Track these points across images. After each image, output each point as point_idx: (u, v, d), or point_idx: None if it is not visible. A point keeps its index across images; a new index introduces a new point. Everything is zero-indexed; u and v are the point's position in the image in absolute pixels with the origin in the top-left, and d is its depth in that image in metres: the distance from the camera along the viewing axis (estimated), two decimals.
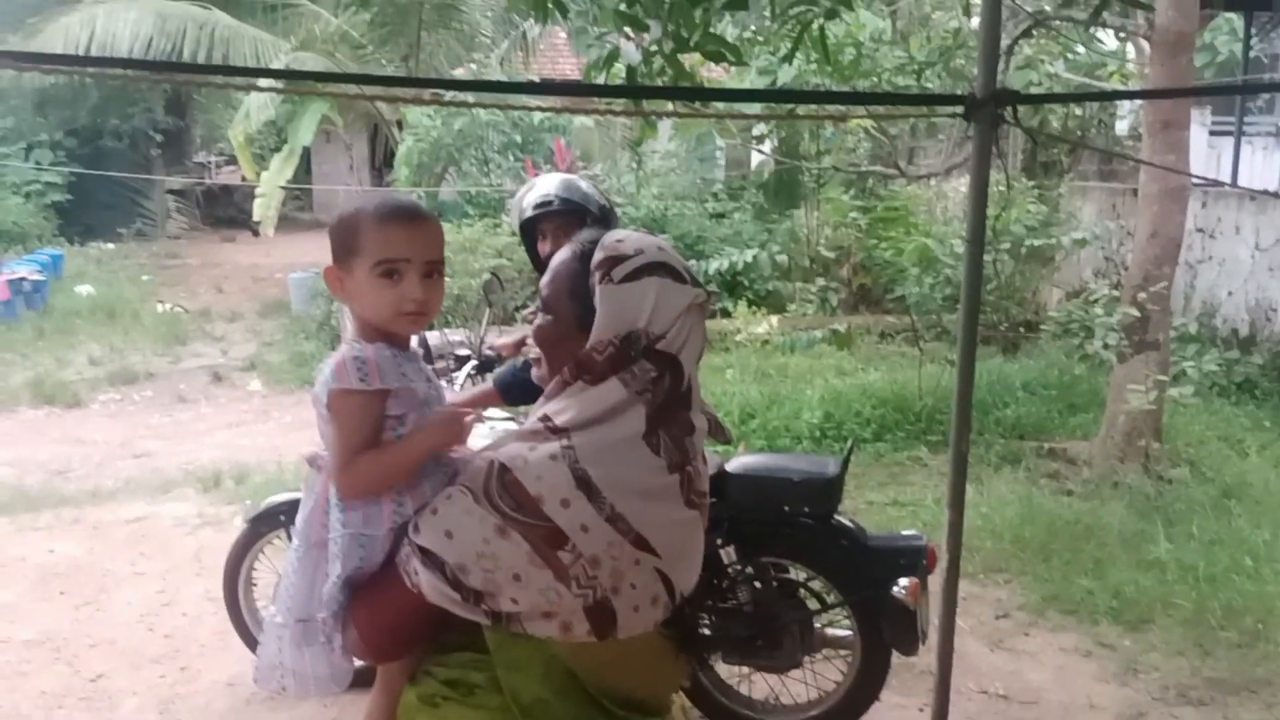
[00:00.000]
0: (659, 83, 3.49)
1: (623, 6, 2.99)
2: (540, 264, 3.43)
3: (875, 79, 7.28)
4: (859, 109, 7.31)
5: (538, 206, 3.32)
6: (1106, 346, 6.39)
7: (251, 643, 3.74)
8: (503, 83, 11.04)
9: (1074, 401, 7.28)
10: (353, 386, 1.72)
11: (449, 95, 7.84)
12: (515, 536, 1.46)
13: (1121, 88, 8.79)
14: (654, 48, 3.25)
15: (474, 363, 3.73)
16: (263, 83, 5.09)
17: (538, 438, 1.53)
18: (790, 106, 6.49)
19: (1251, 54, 10.95)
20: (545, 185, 3.38)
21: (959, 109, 2.07)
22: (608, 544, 1.47)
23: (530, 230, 3.38)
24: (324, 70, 12.79)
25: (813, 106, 7.58)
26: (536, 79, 16.07)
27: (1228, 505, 5.49)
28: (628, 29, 3.23)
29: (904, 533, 3.61)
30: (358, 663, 1.78)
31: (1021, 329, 8.91)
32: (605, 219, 3.38)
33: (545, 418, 1.56)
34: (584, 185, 3.41)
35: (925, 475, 6.24)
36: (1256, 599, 4.43)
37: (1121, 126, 11.99)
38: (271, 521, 3.74)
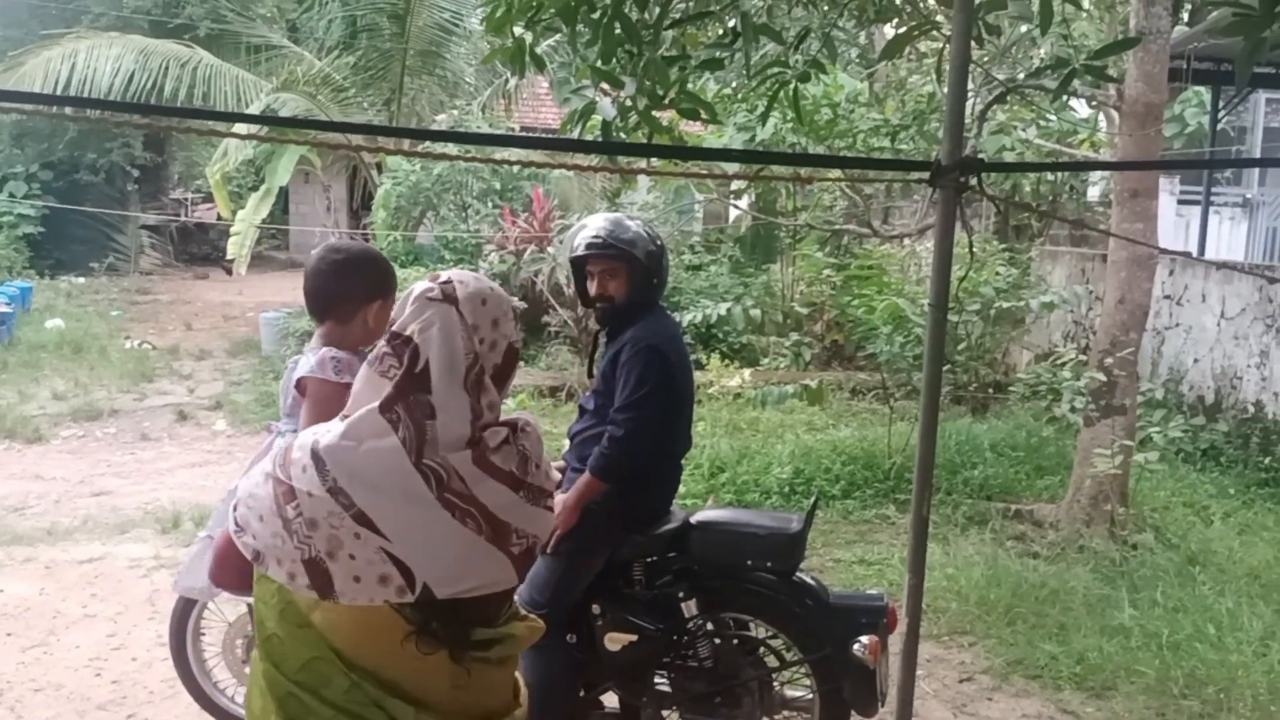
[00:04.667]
0: (635, 137, 3.53)
1: (599, 63, 3.02)
2: (587, 299, 3.45)
3: (850, 140, 7.37)
4: (830, 170, 7.40)
5: (588, 245, 3.36)
6: (1074, 410, 6.43)
7: (197, 692, 3.64)
8: (479, 134, 11.10)
9: (1041, 464, 7.30)
10: (329, 378, 2.31)
11: (425, 145, 7.89)
12: (270, 486, 1.73)
13: (1091, 156, 8.94)
14: (629, 103, 3.27)
15: None
16: (239, 128, 5.07)
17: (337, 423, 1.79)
18: (760, 167, 6.56)
19: (1219, 126, 11.21)
20: (597, 224, 3.41)
21: (925, 175, 2.09)
22: (328, 512, 1.67)
23: (579, 266, 3.44)
24: (305, 113, 12.87)
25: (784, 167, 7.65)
26: (517, 128, 16.22)
27: (1192, 572, 5.49)
28: (604, 84, 3.26)
29: (865, 591, 3.59)
30: None
31: (990, 390, 8.97)
32: (652, 262, 3.39)
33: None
34: (634, 227, 3.42)
35: (893, 534, 6.22)
36: (1219, 668, 4.42)
37: (1093, 193, 12.17)
38: None
